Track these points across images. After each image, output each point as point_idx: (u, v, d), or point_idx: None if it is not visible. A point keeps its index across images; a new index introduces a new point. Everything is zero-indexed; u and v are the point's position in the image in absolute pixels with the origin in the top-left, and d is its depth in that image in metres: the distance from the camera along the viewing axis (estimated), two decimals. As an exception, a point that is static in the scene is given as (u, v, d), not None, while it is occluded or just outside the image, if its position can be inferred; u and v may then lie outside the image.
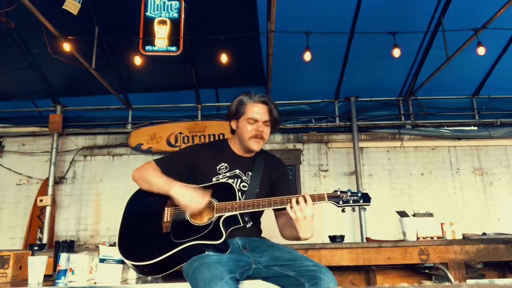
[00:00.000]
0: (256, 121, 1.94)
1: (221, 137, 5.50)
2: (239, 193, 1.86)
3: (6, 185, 5.76)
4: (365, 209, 1.81)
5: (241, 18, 4.51)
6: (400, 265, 2.79)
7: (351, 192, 1.79)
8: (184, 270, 1.67)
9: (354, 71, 5.19)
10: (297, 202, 1.71)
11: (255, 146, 1.96)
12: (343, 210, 1.78)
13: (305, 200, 1.71)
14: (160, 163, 1.94)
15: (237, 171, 1.96)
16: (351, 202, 1.77)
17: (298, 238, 1.80)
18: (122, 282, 1.90)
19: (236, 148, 2.05)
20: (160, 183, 1.83)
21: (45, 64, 5.01)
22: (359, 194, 1.79)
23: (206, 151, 2.02)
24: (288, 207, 1.72)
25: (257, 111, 1.95)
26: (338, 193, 1.79)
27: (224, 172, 1.95)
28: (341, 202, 1.76)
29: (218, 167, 1.96)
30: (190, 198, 1.74)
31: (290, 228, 1.85)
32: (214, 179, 1.92)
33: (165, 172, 1.90)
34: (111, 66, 5.05)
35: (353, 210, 1.80)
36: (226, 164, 1.97)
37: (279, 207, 1.79)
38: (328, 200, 1.76)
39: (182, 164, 1.97)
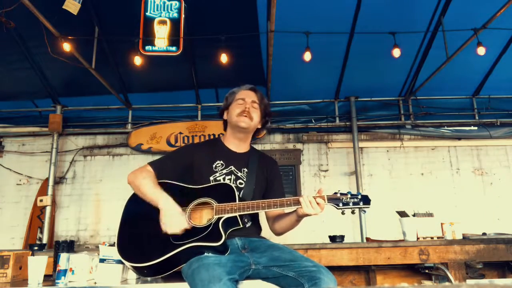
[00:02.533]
0: (244, 100, 2.05)
1: (221, 136, 5.49)
2: (237, 193, 1.85)
3: (6, 185, 5.76)
4: (365, 211, 1.81)
5: (241, 18, 4.51)
6: (400, 265, 2.79)
7: (351, 194, 1.78)
8: (183, 271, 1.66)
9: (354, 71, 5.19)
10: (306, 202, 1.75)
11: (242, 122, 2.00)
12: (342, 213, 1.78)
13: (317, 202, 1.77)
14: (155, 167, 1.93)
15: (232, 168, 1.97)
16: (351, 204, 1.76)
17: (291, 228, 1.94)
18: (122, 282, 1.90)
19: (229, 143, 2.08)
20: (150, 195, 1.81)
21: (45, 64, 5.01)
22: (359, 196, 1.78)
23: (201, 150, 2.03)
24: (306, 204, 1.74)
25: (244, 93, 2.08)
26: (338, 195, 1.78)
27: (221, 170, 1.96)
28: (340, 205, 1.76)
29: (214, 165, 1.97)
30: (170, 220, 1.71)
31: (283, 220, 1.95)
32: (211, 177, 1.92)
33: (160, 174, 1.90)
34: (111, 66, 5.04)
35: (353, 212, 1.80)
36: (221, 162, 1.98)
37: (278, 209, 1.79)
38: (327, 202, 1.76)
39: (178, 165, 1.97)
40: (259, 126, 2.11)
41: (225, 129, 2.15)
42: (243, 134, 2.05)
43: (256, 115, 2.04)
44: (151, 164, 1.95)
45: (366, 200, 1.78)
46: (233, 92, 2.11)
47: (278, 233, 2.03)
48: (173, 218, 1.71)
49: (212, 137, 5.57)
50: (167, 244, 1.70)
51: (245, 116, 1.99)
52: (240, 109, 2.02)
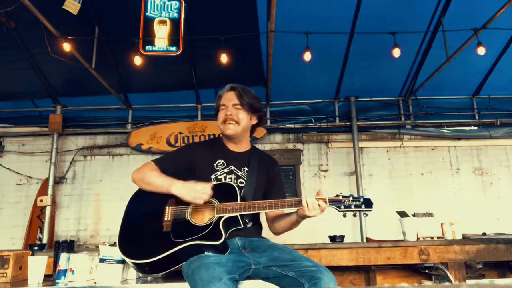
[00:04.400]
0: (225, 105, 2.03)
1: (221, 136, 5.50)
2: (239, 193, 1.86)
3: (6, 185, 5.75)
4: (366, 214, 1.80)
5: (241, 18, 4.51)
6: (400, 265, 2.79)
7: (353, 197, 1.77)
8: (183, 270, 1.67)
9: (354, 71, 5.19)
10: (308, 203, 1.75)
11: (227, 130, 2.00)
12: (344, 215, 1.77)
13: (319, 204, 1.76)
14: (158, 163, 1.96)
15: (232, 167, 1.98)
16: (352, 207, 1.76)
17: (291, 228, 1.94)
18: (122, 282, 1.89)
19: (229, 144, 2.08)
20: (160, 182, 1.85)
21: (45, 64, 5.01)
22: (361, 199, 1.77)
23: (203, 149, 2.05)
24: (308, 206, 1.73)
25: (226, 97, 2.05)
26: (340, 197, 1.78)
27: (222, 169, 1.97)
28: (342, 207, 1.76)
29: (215, 164, 1.98)
30: (194, 192, 1.76)
31: (284, 221, 1.94)
32: (212, 176, 1.93)
33: (163, 171, 1.92)
34: (111, 66, 5.04)
35: (355, 215, 1.80)
36: (222, 161, 1.99)
37: (279, 209, 1.79)
38: (329, 204, 1.76)
39: (181, 163, 1.99)
40: (253, 123, 2.09)
41: None
42: (234, 138, 2.05)
43: (242, 116, 2.01)
44: (155, 161, 1.98)
45: (368, 203, 1.77)
46: (219, 97, 2.10)
47: (277, 233, 2.04)
48: (194, 190, 1.76)
49: (212, 137, 5.57)
50: (168, 242, 1.71)
51: (229, 123, 1.98)
52: (222, 117, 2.01)
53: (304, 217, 1.80)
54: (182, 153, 2.07)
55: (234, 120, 1.99)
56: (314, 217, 1.77)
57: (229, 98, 2.03)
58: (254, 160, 2.03)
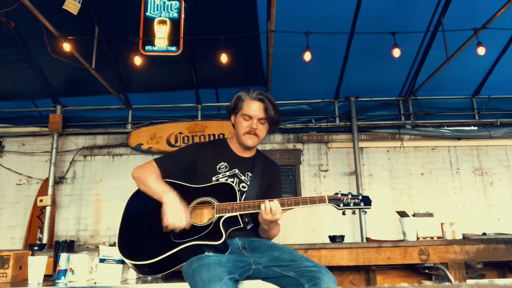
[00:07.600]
0: (250, 117, 1.97)
1: (221, 136, 5.50)
2: (239, 193, 1.86)
3: (6, 185, 5.75)
4: (365, 212, 1.82)
5: (241, 18, 4.51)
6: (400, 265, 2.79)
7: (352, 195, 1.79)
8: (184, 270, 1.67)
9: (354, 71, 5.19)
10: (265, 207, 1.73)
11: (249, 142, 1.97)
12: (343, 213, 1.79)
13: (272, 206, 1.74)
14: (159, 163, 1.94)
15: (236, 171, 1.97)
16: (351, 205, 1.77)
17: (269, 234, 1.92)
18: (122, 282, 1.90)
19: (235, 147, 2.06)
20: (155, 188, 1.82)
21: (45, 64, 5.01)
22: (360, 197, 1.79)
23: (206, 150, 2.02)
24: (262, 210, 1.73)
25: (252, 108, 1.97)
26: (339, 195, 1.79)
27: (224, 172, 1.95)
28: (341, 205, 1.77)
29: (218, 166, 1.96)
30: (174, 215, 1.71)
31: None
32: (214, 178, 1.92)
33: (165, 171, 1.91)
34: (111, 66, 5.04)
35: (354, 213, 1.81)
36: (225, 164, 1.98)
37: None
38: (328, 202, 1.77)
39: (182, 163, 1.98)
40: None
41: (233, 127, 2.11)
42: (249, 148, 2.05)
43: (262, 130, 2.01)
44: (156, 161, 1.96)
45: (367, 201, 1.79)
46: (240, 99, 2.00)
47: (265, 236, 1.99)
48: (176, 213, 1.71)
49: (212, 137, 5.56)
50: (168, 242, 1.70)
51: (253, 134, 1.97)
52: (247, 127, 1.96)
53: (263, 220, 1.78)
54: (185, 153, 2.05)
55: (258, 134, 1.98)
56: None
57: (256, 110, 1.96)
58: (258, 166, 2.03)
